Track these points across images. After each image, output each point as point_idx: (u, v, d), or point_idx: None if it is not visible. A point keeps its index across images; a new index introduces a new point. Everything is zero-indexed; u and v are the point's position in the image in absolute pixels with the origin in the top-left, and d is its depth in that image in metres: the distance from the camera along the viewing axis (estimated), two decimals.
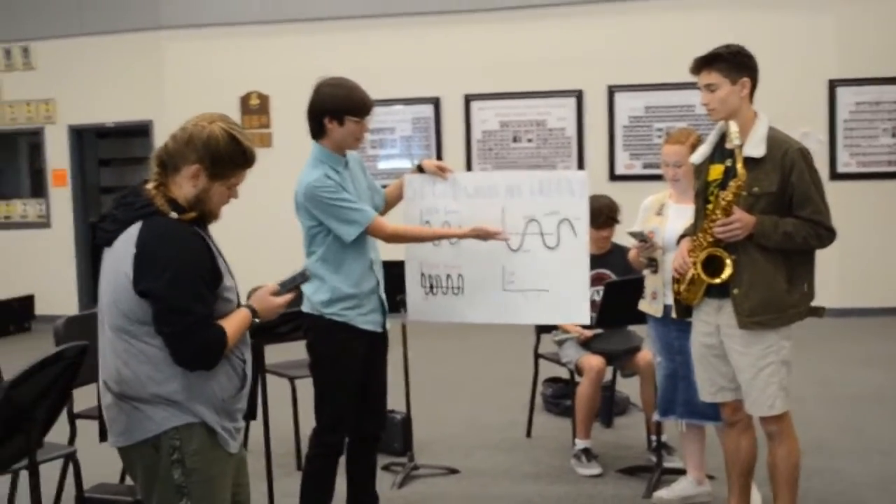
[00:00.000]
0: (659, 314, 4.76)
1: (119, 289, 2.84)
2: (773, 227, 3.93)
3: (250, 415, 3.27)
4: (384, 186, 4.63)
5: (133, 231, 2.84)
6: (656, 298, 4.78)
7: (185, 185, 2.92)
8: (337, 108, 4.15)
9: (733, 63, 4.04)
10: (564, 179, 4.58)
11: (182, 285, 2.79)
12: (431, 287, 4.67)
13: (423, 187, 4.60)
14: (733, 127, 3.93)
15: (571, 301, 4.56)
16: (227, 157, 2.91)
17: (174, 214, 2.88)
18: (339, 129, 4.17)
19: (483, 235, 4.38)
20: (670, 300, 4.55)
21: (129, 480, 4.03)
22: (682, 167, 4.71)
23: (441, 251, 4.61)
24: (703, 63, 4.09)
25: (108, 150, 12.71)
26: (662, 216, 4.81)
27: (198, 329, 2.82)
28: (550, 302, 4.55)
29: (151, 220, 2.86)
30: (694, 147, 4.58)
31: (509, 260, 4.55)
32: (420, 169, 4.62)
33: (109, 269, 2.90)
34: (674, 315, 4.46)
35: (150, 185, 2.92)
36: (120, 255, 2.85)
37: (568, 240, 4.52)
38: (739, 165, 3.89)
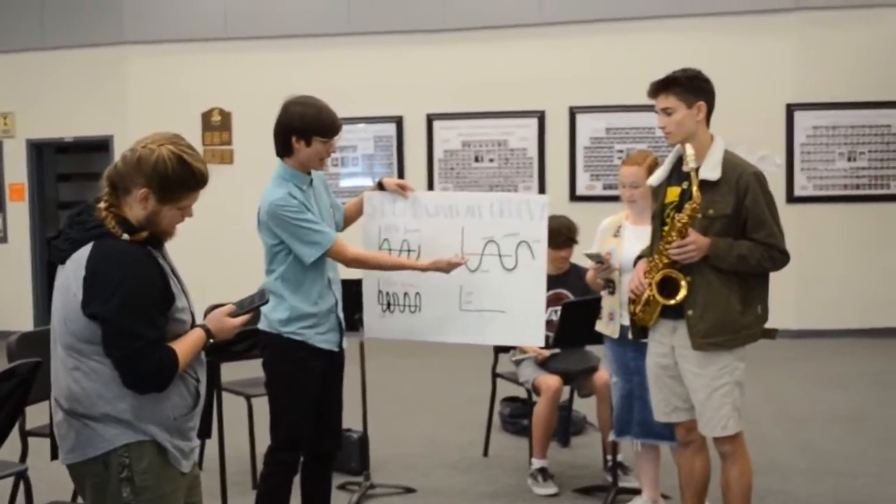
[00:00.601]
0: (615, 335, 4.79)
1: (69, 309, 2.83)
2: (727, 249, 3.97)
3: (205, 433, 3.25)
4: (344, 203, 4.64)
5: (84, 252, 2.82)
6: (613, 319, 4.81)
7: (136, 207, 2.89)
8: (305, 128, 4.13)
9: (689, 87, 4.09)
10: (524, 202, 4.62)
11: (131, 309, 2.77)
12: (389, 305, 4.67)
13: (382, 205, 4.60)
14: (689, 150, 3.97)
15: (527, 323, 4.59)
16: (175, 180, 2.87)
17: (126, 236, 2.86)
18: (306, 150, 4.15)
19: (444, 269, 4.40)
20: (627, 321, 4.58)
21: (80, 499, 3.99)
22: (639, 188, 4.75)
23: None
24: (660, 87, 4.13)
25: (68, 165, 12.59)
26: (619, 238, 4.85)
27: (147, 352, 2.80)
28: (506, 323, 4.58)
29: (102, 241, 2.83)
30: (651, 169, 4.63)
31: (467, 280, 4.57)
32: (381, 186, 4.62)
33: (61, 288, 2.88)
34: (630, 336, 4.50)
35: (101, 206, 2.89)
36: (70, 276, 2.83)
37: (526, 262, 4.55)
38: (695, 188, 3.93)
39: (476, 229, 4.58)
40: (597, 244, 4.93)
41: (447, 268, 4.40)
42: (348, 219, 4.62)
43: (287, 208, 4.09)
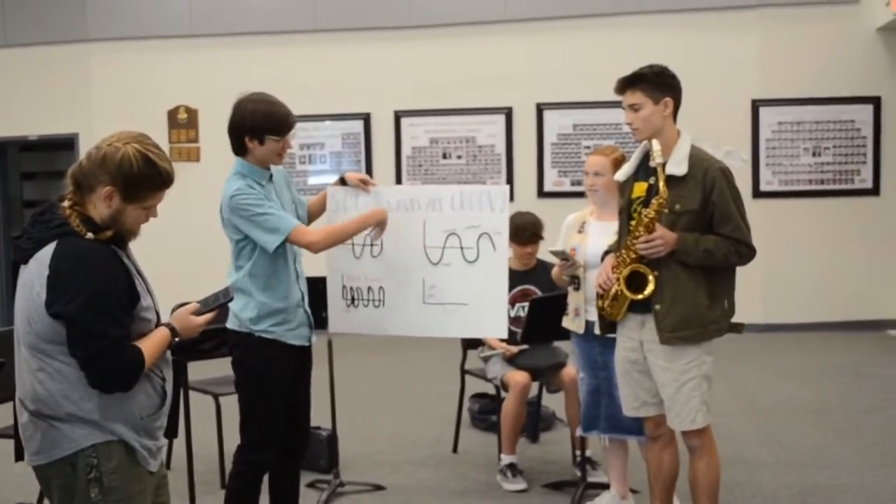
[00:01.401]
0: (581, 330, 4.81)
1: (32, 309, 2.80)
2: (694, 244, 3.99)
3: (172, 433, 3.22)
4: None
5: (47, 251, 2.79)
6: (579, 315, 4.82)
7: (100, 206, 2.87)
8: (256, 128, 4.10)
9: (656, 83, 4.11)
10: (485, 193, 4.62)
11: (95, 308, 2.75)
12: (353, 300, 4.67)
13: (345, 200, 4.59)
14: (656, 145, 3.98)
15: (490, 315, 4.59)
16: (140, 180, 2.85)
17: (90, 235, 2.84)
18: (260, 148, 4.12)
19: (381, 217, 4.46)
20: (592, 317, 4.61)
21: (47, 501, 3.96)
22: (602, 177, 4.76)
23: (362, 264, 4.63)
24: (627, 83, 4.14)
25: (32, 163, 12.48)
26: (584, 233, 4.86)
27: (112, 352, 2.78)
28: (469, 316, 4.58)
29: (65, 240, 2.81)
30: (617, 163, 4.66)
31: (429, 273, 4.58)
32: (343, 181, 4.62)
33: (24, 288, 2.85)
34: (597, 331, 4.52)
35: (65, 204, 2.87)
36: (34, 275, 2.80)
37: (487, 254, 4.56)
38: (661, 183, 3.95)
39: (437, 222, 4.58)
40: (561, 240, 4.94)
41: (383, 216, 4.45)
42: (311, 215, 4.60)
43: (245, 197, 4.08)
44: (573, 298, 4.85)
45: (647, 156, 4.18)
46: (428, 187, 4.67)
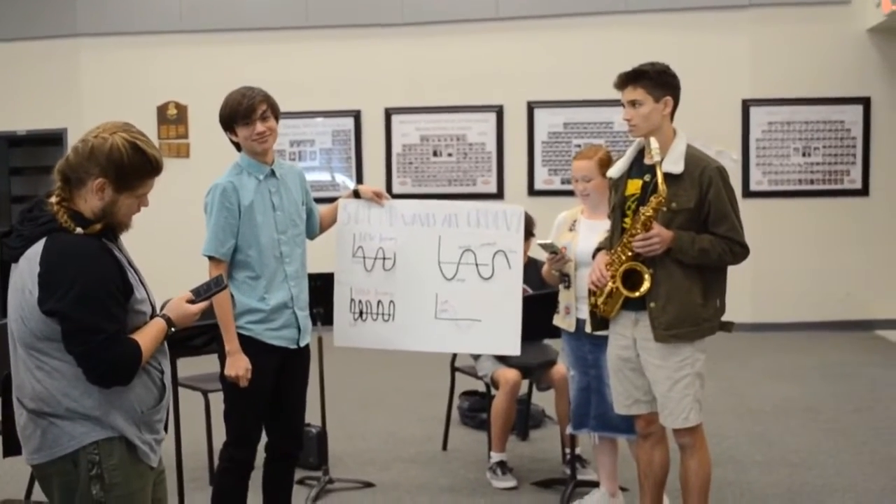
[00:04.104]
0: (572, 329, 4.80)
1: (26, 307, 2.78)
2: (690, 242, 4.00)
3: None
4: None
5: (37, 248, 2.77)
6: (569, 313, 4.81)
7: (91, 199, 2.84)
8: (224, 119, 4.20)
9: (658, 81, 4.10)
10: (501, 213, 4.64)
11: (89, 303, 2.73)
12: (361, 313, 4.64)
13: (357, 212, 4.59)
14: (654, 143, 3.98)
15: (504, 332, 4.61)
16: (131, 168, 2.83)
17: (79, 230, 2.82)
18: (239, 138, 4.20)
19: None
20: (583, 315, 4.61)
21: (36, 496, 3.94)
22: (592, 181, 4.76)
23: (373, 277, 4.60)
24: (629, 79, 4.14)
25: (20, 158, 12.42)
26: (574, 231, 4.85)
27: (109, 346, 2.76)
28: (482, 332, 4.59)
29: (55, 236, 2.79)
30: (602, 162, 4.67)
31: (443, 288, 4.58)
32: (356, 194, 4.60)
33: (16, 287, 2.83)
34: (588, 329, 4.52)
35: (52, 200, 2.85)
36: (25, 273, 2.78)
37: (502, 271, 4.57)
38: (660, 181, 3.95)
39: (453, 238, 4.59)
40: (552, 238, 4.94)
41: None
42: (322, 225, 4.59)
43: (212, 195, 4.14)
44: (564, 297, 4.84)
45: (641, 153, 4.18)
46: (443, 202, 4.65)
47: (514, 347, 4.68)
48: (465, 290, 4.58)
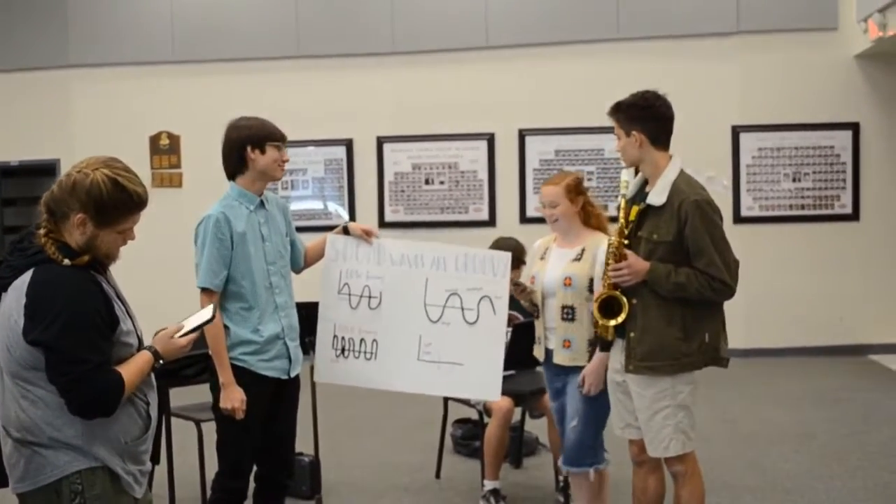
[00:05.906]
0: (542, 358, 4.81)
1: (12, 336, 2.80)
2: (665, 275, 3.99)
3: (154, 458, 3.21)
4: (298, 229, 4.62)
5: (25, 279, 2.79)
6: (539, 343, 4.81)
7: (74, 233, 2.87)
8: (257, 137, 4.19)
9: (627, 116, 4.13)
10: (488, 258, 4.64)
11: (74, 334, 2.74)
12: (343, 350, 4.60)
13: (346, 249, 4.58)
14: (624, 176, 4.10)
15: (485, 377, 4.58)
16: (111, 205, 2.85)
17: (66, 261, 2.83)
18: (262, 157, 4.18)
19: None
20: (552, 344, 4.63)
21: None
22: (558, 207, 4.75)
23: (358, 314, 4.57)
24: (609, 111, 4.21)
25: (13, 189, 12.40)
26: (544, 260, 4.84)
27: (91, 377, 2.76)
28: (464, 376, 4.56)
29: (42, 267, 2.81)
30: (569, 188, 4.68)
31: (427, 330, 4.56)
32: (345, 231, 4.61)
33: (3, 316, 2.84)
34: (555, 360, 4.60)
35: (40, 232, 2.87)
36: (12, 303, 2.80)
37: (487, 317, 4.56)
38: (621, 216, 4.08)
39: (440, 281, 4.58)
40: (527, 266, 4.96)
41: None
42: (309, 259, 4.59)
43: (205, 226, 4.13)
44: (537, 326, 4.84)
45: (646, 181, 4.21)
46: (432, 245, 4.65)
47: (494, 393, 4.66)
48: (449, 334, 4.56)
